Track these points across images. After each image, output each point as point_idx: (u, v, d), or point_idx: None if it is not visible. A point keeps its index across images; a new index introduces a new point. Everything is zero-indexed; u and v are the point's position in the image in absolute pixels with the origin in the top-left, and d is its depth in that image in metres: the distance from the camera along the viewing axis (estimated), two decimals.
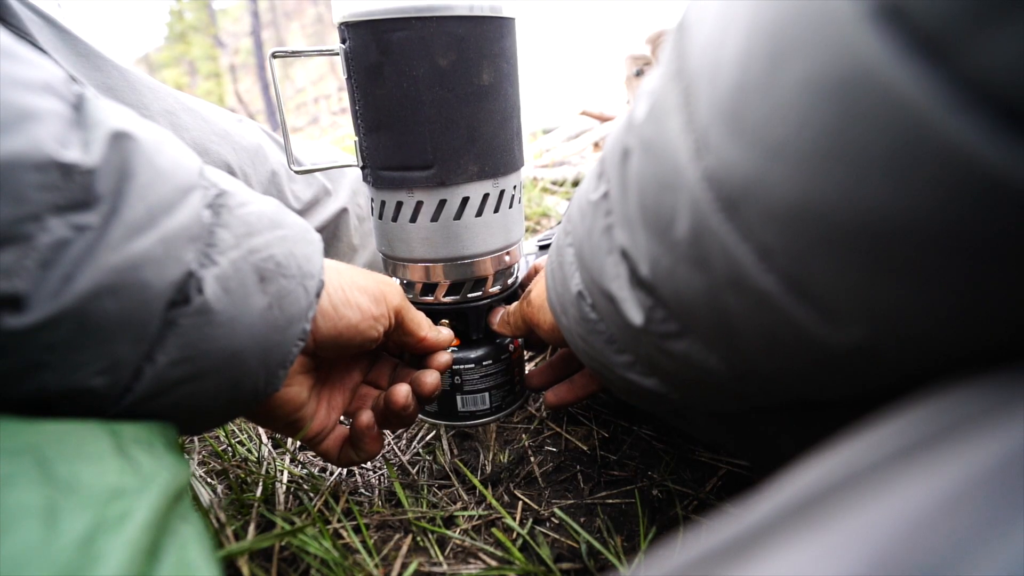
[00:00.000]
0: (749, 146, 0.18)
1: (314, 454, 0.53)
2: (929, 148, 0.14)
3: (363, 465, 0.51)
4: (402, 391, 0.40)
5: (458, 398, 0.48)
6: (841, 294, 0.18)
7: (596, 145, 1.74)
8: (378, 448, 0.42)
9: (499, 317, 0.47)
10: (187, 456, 0.52)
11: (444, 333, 0.44)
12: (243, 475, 0.48)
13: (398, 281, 0.48)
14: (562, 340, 0.39)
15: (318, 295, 0.33)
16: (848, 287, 0.17)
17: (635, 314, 0.26)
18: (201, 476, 0.49)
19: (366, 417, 0.41)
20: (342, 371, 0.43)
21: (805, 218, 0.17)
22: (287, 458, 0.52)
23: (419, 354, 0.44)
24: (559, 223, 0.88)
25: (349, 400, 0.43)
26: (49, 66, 0.25)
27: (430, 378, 0.41)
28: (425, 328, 0.42)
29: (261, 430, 0.55)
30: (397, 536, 0.42)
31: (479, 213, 0.42)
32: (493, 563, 0.40)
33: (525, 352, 0.60)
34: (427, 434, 0.54)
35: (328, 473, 0.50)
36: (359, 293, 0.37)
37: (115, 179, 0.24)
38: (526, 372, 0.53)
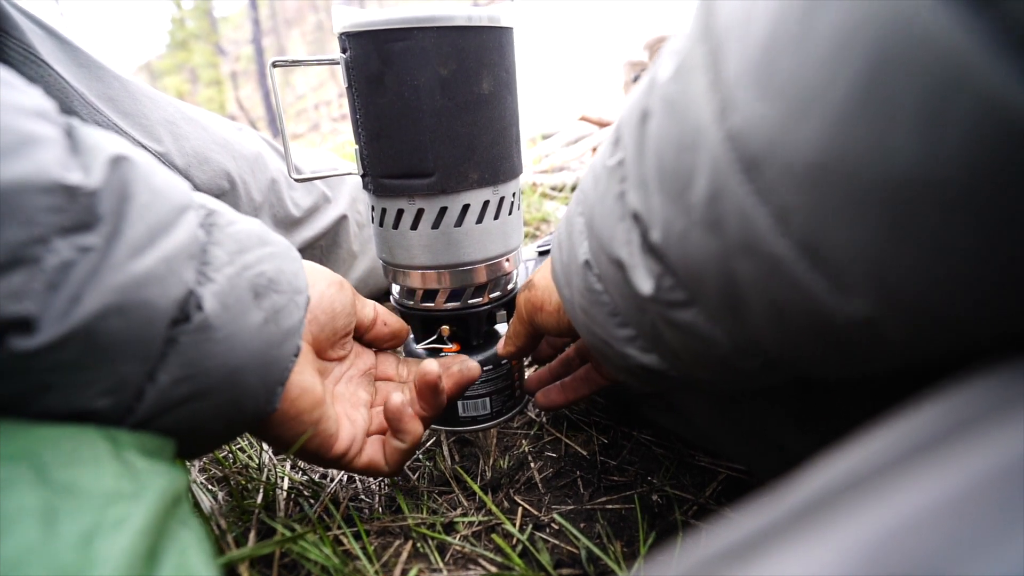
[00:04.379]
0: (777, 101, 0.17)
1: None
2: (965, 95, 0.14)
3: None
4: (432, 366, 0.40)
5: (459, 403, 0.48)
6: (854, 260, 0.17)
7: (595, 150, 1.75)
8: (420, 427, 0.40)
9: (502, 341, 0.47)
10: (188, 463, 0.52)
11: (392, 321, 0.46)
12: (244, 481, 0.48)
13: (398, 288, 0.48)
14: (566, 326, 0.38)
15: (306, 310, 0.34)
16: (863, 252, 0.17)
17: (643, 282, 0.26)
18: (202, 483, 0.49)
19: (396, 398, 0.40)
20: (353, 391, 0.43)
21: (828, 176, 0.17)
22: (287, 464, 0.52)
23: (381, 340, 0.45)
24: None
25: (368, 417, 0.43)
26: (38, 95, 0.25)
27: (474, 364, 0.44)
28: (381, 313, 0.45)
29: None
30: (397, 542, 0.42)
31: (479, 220, 0.43)
32: (493, 569, 0.40)
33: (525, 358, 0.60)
34: (427, 440, 0.55)
35: (328, 480, 0.50)
36: (325, 285, 0.40)
37: (116, 200, 0.25)
38: (525, 376, 0.53)
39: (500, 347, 0.47)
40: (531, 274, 0.52)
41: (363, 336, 0.44)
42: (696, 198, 0.21)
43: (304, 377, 0.36)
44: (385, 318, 0.45)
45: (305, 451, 0.38)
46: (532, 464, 0.51)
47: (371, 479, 0.50)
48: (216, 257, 0.28)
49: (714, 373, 0.27)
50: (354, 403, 0.42)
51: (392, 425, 0.40)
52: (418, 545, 0.42)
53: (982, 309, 0.16)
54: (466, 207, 0.42)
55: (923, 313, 0.17)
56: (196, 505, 0.43)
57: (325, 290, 0.39)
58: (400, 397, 0.40)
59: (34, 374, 0.23)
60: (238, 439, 0.54)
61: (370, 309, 0.44)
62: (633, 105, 0.26)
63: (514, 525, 0.43)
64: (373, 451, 0.41)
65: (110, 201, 0.24)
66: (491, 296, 0.47)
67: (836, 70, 0.16)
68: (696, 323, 0.25)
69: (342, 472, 0.50)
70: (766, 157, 0.18)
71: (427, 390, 0.40)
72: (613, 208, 0.27)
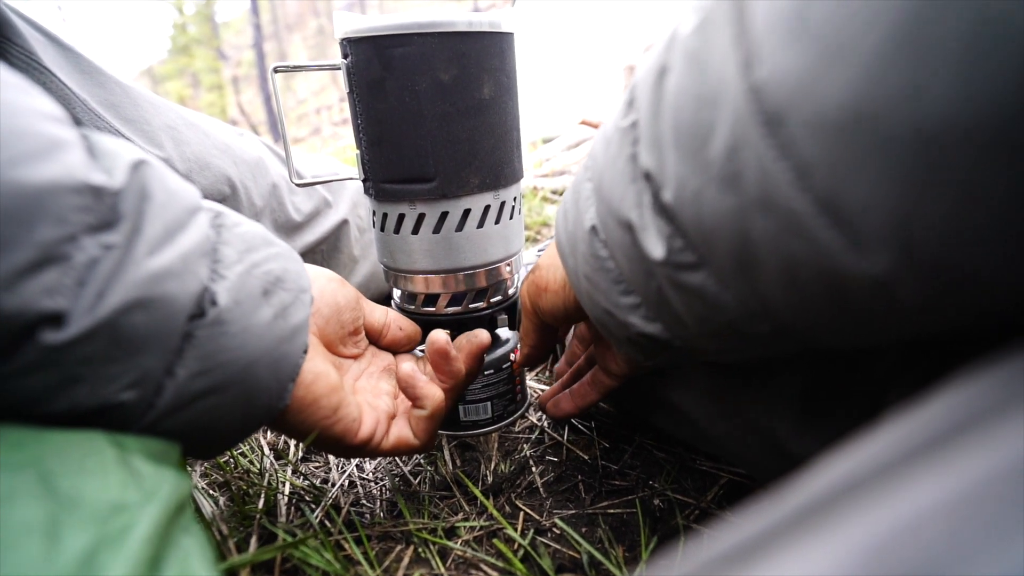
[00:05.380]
0: (807, 50, 0.17)
1: (324, 462, 0.53)
2: (1007, 35, 0.13)
3: (364, 476, 0.51)
4: (440, 334, 0.41)
5: (460, 408, 0.48)
6: (876, 214, 0.17)
7: None
8: (438, 391, 0.40)
9: (518, 349, 0.47)
10: (190, 468, 0.52)
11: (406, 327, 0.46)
12: (245, 487, 0.48)
13: (399, 292, 0.48)
14: (572, 305, 0.38)
15: (311, 307, 0.35)
16: (886, 205, 0.17)
17: (653, 244, 0.25)
18: (203, 488, 0.49)
19: (406, 367, 0.40)
20: (374, 384, 0.43)
21: (856, 126, 0.16)
22: (289, 469, 0.52)
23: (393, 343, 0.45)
24: None
25: (392, 405, 0.43)
26: (52, 101, 0.26)
27: (482, 331, 0.44)
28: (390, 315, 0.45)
29: (263, 441, 0.55)
30: (399, 547, 0.42)
31: (480, 225, 0.43)
32: (494, 574, 0.40)
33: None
34: None
35: (330, 485, 0.50)
36: (325, 280, 0.40)
37: (136, 200, 0.26)
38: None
39: (517, 355, 0.47)
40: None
41: (379, 342, 0.45)
42: (714, 154, 0.21)
43: (316, 364, 0.36)
44: (399, 323, 0.45)
45: (328, 440, 0.37)
46: (533, 468, 0.51)
47: (372, 483, 0.50)
48: (226, 255, 0.30)
49: (719, 341, 0.27)
50: (376, 393, 0.42)
51: (409, 393, 0.40)
52: (419, 550, 0.42)
53: (1003, 268, 0.16)
54: (467, 212, 0.42)
55: (942, 271, 0.17)
56: (197, 510, 0.43)
57: (326, 285, 0.39)
58: (411, 364, 0.40)
59: (64, 367, 0.24)
60: (240, 444, 0.54)
61: (380, 313, 0.44)
62: (650, 64, 0.25)
63: (515, 530, 0.43)
64: (399, 429, 0.41)
65: (131, 201, 0.26)
66: (492, 300, 0.47)
67: (873, 15, 0.16)
68: (705, 286, 0.24)
69: (343, 477, 0.50)
70: (790, 109, 0.18)
71: (438, 357, 0.41)
72: (624, 170, 0.27)
